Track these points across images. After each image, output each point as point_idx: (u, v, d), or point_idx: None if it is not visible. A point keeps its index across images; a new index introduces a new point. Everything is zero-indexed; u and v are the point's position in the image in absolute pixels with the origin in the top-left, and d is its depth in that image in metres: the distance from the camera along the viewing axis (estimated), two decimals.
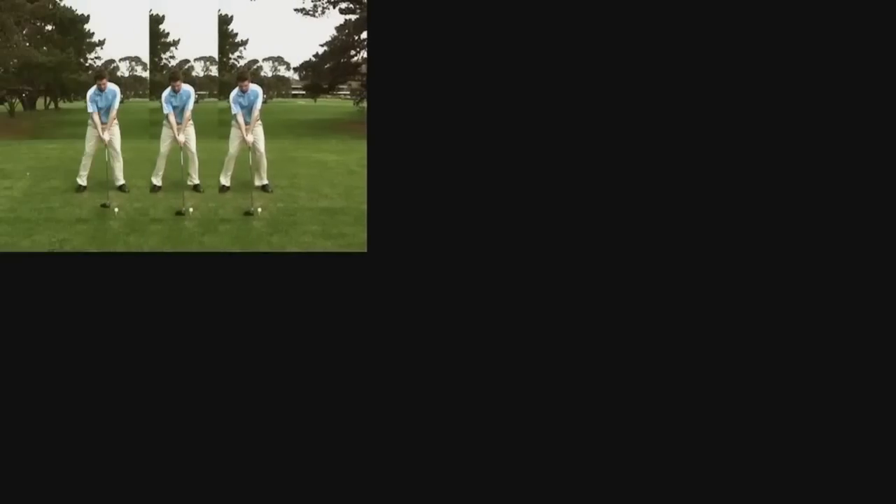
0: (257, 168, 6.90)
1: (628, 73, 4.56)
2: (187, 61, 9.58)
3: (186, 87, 6.90)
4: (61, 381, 4.57)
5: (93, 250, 5.85)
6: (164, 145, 6.88)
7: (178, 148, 6.82)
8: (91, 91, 6.90)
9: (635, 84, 4.56)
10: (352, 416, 4.56)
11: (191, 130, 6.89)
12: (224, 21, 9.35)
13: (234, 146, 6.87)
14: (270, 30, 9.57)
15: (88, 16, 10.51)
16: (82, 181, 6.93)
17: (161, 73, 9.15)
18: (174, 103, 6.82)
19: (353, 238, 5.77)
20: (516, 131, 4.56)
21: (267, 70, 10.15)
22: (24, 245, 5.82)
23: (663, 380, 4.55)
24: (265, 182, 6.90)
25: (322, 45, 10.66)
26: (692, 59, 4.55)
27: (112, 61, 9.92)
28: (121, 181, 6.89)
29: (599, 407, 4.55)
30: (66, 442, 4.53)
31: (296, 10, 10.07)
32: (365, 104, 7.36)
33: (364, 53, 10.40)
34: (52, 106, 11.42)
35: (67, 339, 4.56)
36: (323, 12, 10.49)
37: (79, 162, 6.96)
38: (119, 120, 6.89)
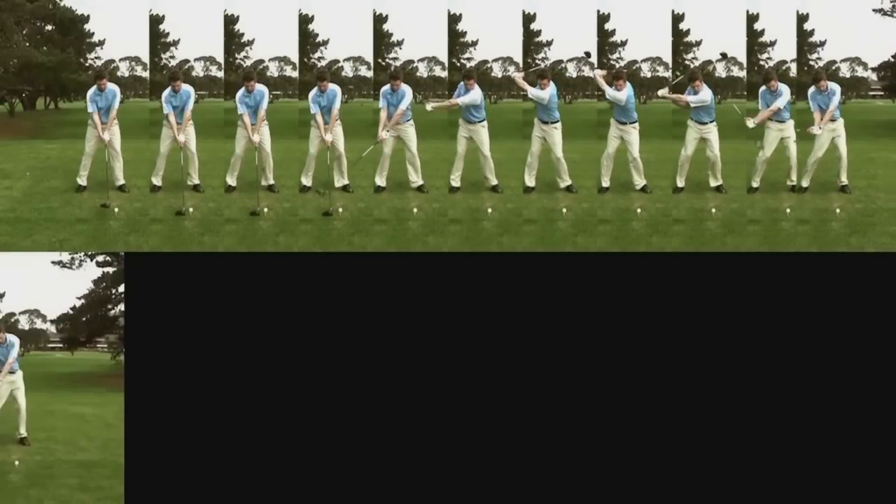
0: (264, 167, 6.90)
1: None
2: (187, 61, 9.59)
3: (186, 87, 6.88)
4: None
5: (93, 250, 5.85)
6: (164, 145, 6.87)
7: (178, 148, 6.81)
8: (91, 91, 6.88)
9: None
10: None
11: (191, 130, 6.87)
12: (305, 19, 9.24)
13: (239, 146, 6.87)
14: (848, 30, 9.55)
15: (88, 16, 10.51)
16: (82, 181, 6.92)
17: (161, 73, 9.16)
18: (174, 103, 6.81)
19: None
20: None
21: (844, 70, 10.22)
22: (25, 245, 5.82)
23: None
24: (271, 182, 6.90)
25: None
26: None
27: (112, 61, 9.92)
28: (121, 181, 6.89)
29: None
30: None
31: (874, 10, 10.13)
32: None
33: None
34: (52, 106, 11.43)
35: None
36: None
37: (79, 162, 6.95)
38: (119, 120, 6.88)
